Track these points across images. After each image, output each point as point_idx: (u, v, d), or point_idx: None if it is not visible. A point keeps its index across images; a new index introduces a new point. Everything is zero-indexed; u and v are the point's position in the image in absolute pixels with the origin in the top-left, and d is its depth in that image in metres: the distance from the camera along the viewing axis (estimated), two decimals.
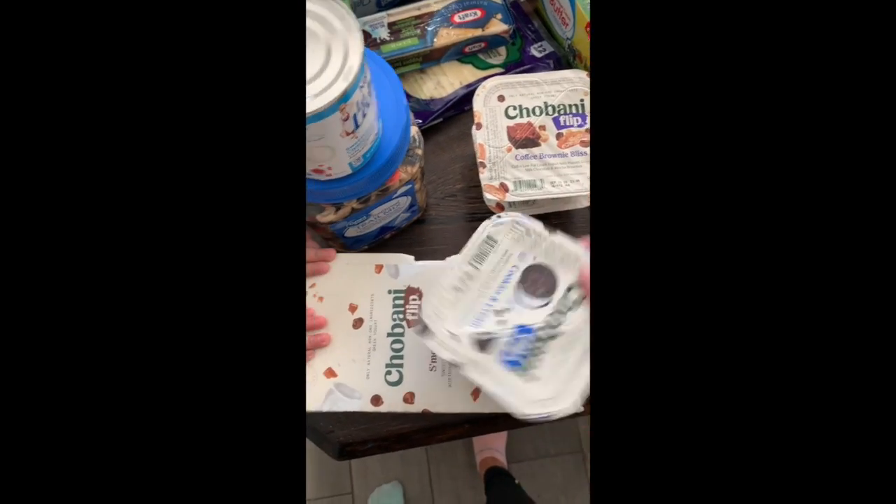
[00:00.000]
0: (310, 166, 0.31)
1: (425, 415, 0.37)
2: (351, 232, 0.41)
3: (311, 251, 0.41)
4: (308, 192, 0.33)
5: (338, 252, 0.42)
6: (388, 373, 0.37)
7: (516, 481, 0.96)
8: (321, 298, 0.40)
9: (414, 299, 0.39)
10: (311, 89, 0.25)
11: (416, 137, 0.37)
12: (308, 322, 0.39)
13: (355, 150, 0.30)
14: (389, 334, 0.38)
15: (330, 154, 0.29)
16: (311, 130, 0.26)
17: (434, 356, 0.38)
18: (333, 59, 0.25)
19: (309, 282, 0.40)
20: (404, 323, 0.39)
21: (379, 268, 0.40)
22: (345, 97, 0.25)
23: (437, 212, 0.51)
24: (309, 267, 0.41)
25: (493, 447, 1.05)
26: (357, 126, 0.28)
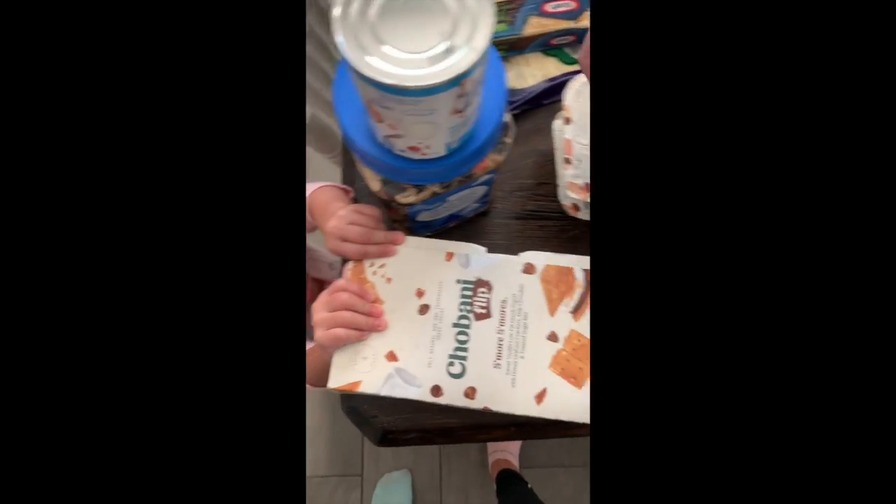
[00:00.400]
0: (407, 143, 0.29)
1: (485, 412, 0.36)
2: (424, 216, 0.40)
3: (381, 233, 0.40)
4: (397, 169, 0.32)
5: (406, 235, 0.41)
6: (451, 364, 0.36)
7: (529, 486, 0.94)
8: (389, 280, 0.39)
9: (483, 292, 0.38)
10: (428, 61, 0.24)
11: (510, 125, 0.36)
12: (366, 308, 0.38)
13: (456, 130, 0.29)
14: (455, 325, 0.37)
15: (432, 132, 0.28)
16: (423, 104, 0.25)
17: (500, 353, 0.36)
18: (459, 34, 0.24)
19: (378, 262, 0.39)
20: (471, 315, 0.37)
21: (450, 255, 0.39)
22: (468, 72, 0.24)
23: (502, 205, 0.50)
24: (377, 248, 0.39)
25: (507, 449, 1.04)
26: (467, 105, 0.27)
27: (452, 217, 0.44)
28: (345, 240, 0.40)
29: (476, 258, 0.39)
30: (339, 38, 0.23)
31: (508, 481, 0.95)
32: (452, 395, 0.36)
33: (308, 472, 1.08)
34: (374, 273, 0.39)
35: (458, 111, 0.27)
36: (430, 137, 0.28)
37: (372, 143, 0.32)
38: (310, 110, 0.55)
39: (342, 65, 0.33)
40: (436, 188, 0.35)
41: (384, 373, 0.36)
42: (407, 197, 0.35)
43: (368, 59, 0.23)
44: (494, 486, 0.99)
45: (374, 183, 0.36)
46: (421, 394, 0.36)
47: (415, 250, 0.39)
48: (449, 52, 0.24)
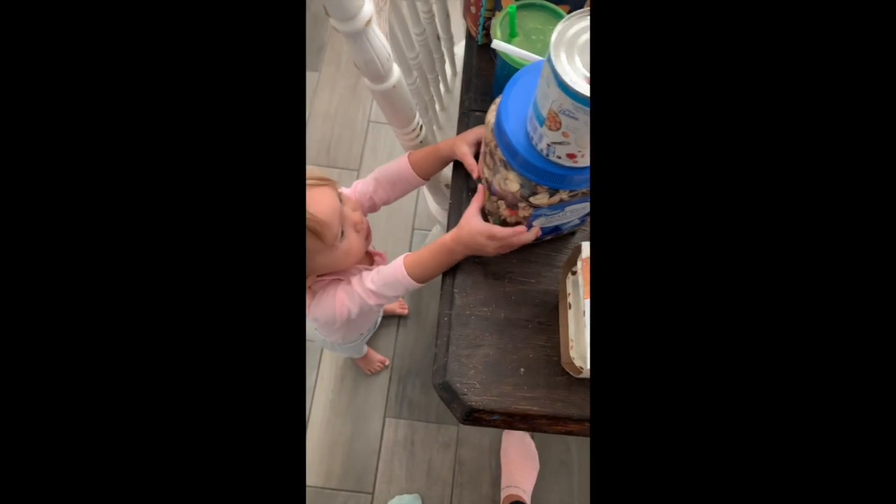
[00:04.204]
0: (569, 150, 0.37)
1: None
2: (539, 221, 0.47)
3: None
4: (547, 173, 0.39)
5: None
6: None
7: None
8: None
9: None
10: None
11: None
12: None
13: None
14: None
15: None
16: None
17: None
18: None
19: None
20: None
21: None
22: None
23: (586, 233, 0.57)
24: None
25: (520, 486, 1.05)
26: None
27: (556, 229, 0.50)
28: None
29: None
30: (562, 58, 0.31)
31: None
32: None
33: (320, 483, 1.08)
34: None
35: None
36: (588, 147, 0.36)
37: (528, 149, 0.39)
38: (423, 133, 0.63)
39: (514, 83, 0.41)
40: (564, 195, 0.42)
41: None
42: (539, 199, 0.42)
43: (576, 77, 0.31)
44: None
45: (513, 184, 0.43)
46: None
47: None
48: None
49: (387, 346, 1.17)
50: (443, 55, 0.84)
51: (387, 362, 1.15)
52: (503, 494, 1.05)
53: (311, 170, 0.55)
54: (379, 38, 0.46)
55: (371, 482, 1.08)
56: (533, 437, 1.11)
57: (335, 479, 1.08)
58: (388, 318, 1.18)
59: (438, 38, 0.81)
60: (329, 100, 1.39)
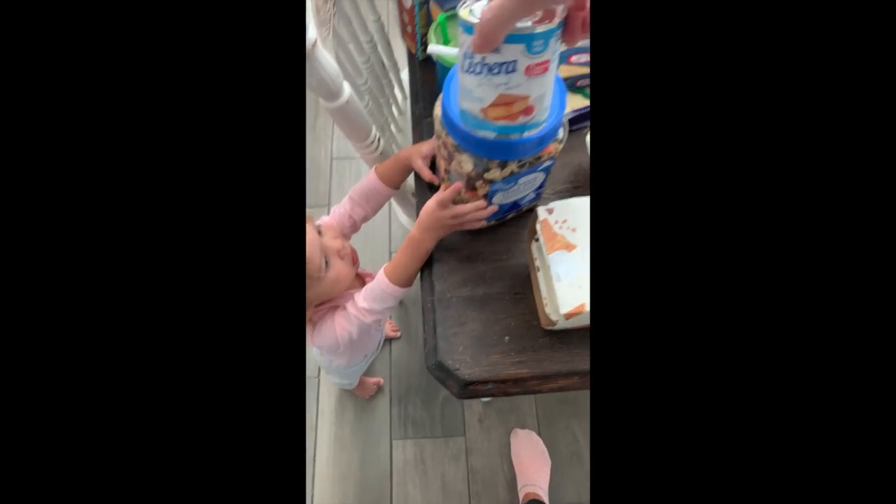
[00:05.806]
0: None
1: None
2: (497, 198, 0.51)
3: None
4: (493, 146, 0.44)
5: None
6: None
7: None
8: (574, 229, 0.48)
9: None
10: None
11: (565, 125, 0.48)
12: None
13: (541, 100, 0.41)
14: None
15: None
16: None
17: None
18: None
19: (561, 218, 0.49)
20: None
21: None
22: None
23: (545, 204, 0.61)
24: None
25: (536, 483, 1.05)
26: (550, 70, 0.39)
27: (514, 205, 0.55)
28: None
29: None
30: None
31: None
32: None
33: None
34: (560, 227, 0.49)
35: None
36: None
37: (474, 126, 0.44)
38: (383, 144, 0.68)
39: (452, 76, 0.46)
40: (514, 166, 0.47)
41: None
42: (493, 174, 0.47)
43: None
44: None
45: (467, 165, 0.47)
46: None
47: (584, 201, 0.49)
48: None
49: (382, 368, 1.18)
50: (391, 81, 0.90)
51: (381, 382, 1.16)
52: (521, 494, 1.05)
53: None
54: (327, 58, 0.51)
55: None
56: (540, 434, 1.12)
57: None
58: None
59: (384, 65, 0.87)
60: None
